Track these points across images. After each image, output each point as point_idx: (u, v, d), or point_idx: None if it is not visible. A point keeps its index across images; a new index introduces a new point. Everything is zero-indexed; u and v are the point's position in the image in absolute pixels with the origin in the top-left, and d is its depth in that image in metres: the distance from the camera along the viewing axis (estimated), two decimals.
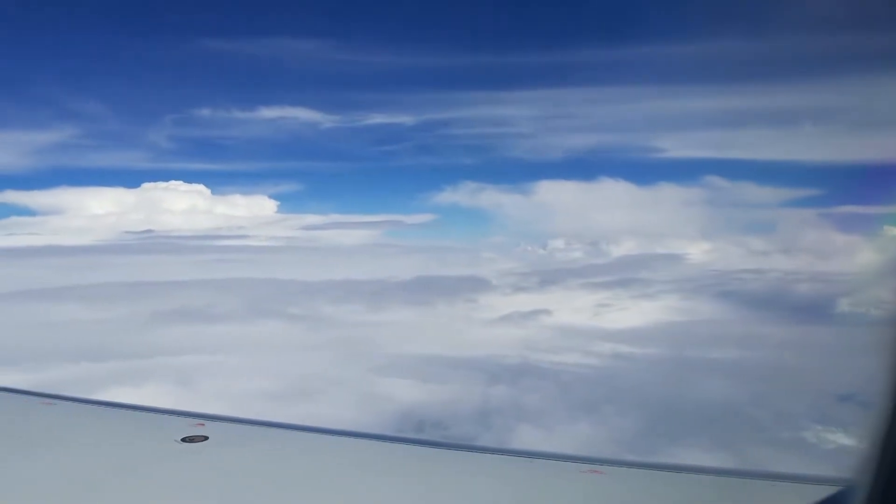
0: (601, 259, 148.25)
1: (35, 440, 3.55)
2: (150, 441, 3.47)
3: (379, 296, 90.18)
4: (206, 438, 3.37)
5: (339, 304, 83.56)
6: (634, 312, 78.55)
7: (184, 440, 3.35)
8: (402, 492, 2.78)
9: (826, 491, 2.38)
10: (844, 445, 30.24)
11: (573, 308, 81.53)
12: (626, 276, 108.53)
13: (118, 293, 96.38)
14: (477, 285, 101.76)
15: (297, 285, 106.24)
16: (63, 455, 3.29)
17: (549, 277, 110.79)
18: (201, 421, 3.71)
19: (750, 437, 31.36)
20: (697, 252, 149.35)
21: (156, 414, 4.02)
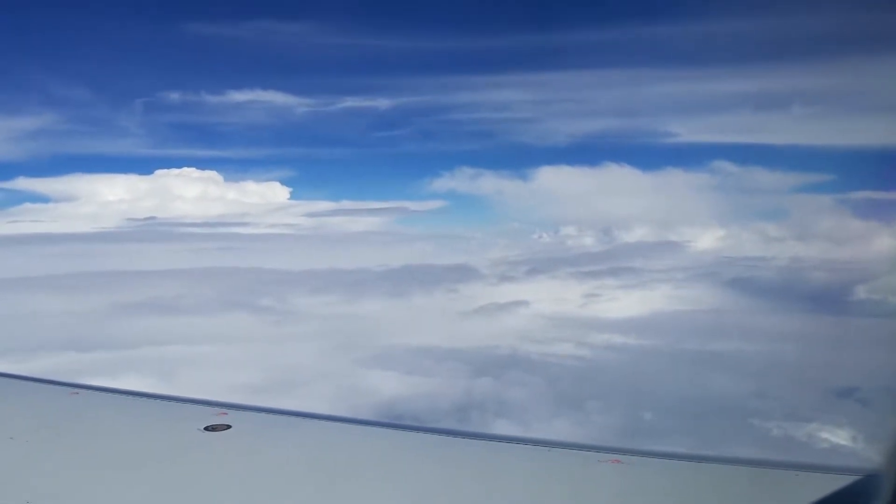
0: (611, 246, 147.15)
1: (62, 430, 3.65)
2: (173, 430, 3.58)
3: (359, 286, 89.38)
4: (228, 427, 3.44)
5: (316, 295, 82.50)
6: (635, 301, 77.46)
7: (206, 429, 3.41)
8: (422, 480, 2.85)
9: (848, 480, 2.41)
10: (838, 444, 29.37)
11: (571, 297, 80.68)
12: (629, 264, 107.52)
13: (107, 282, 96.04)
14: (464, 274, 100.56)
15: (281, 275, 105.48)
16: (88, 444, 3.41)
17: (554, 265, 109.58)
18: (224, 410, 3.78)
19: (739, 435, 30.57)
20: (707, 239, 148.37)
21: (178, 403, 4.11)
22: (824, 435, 31.39)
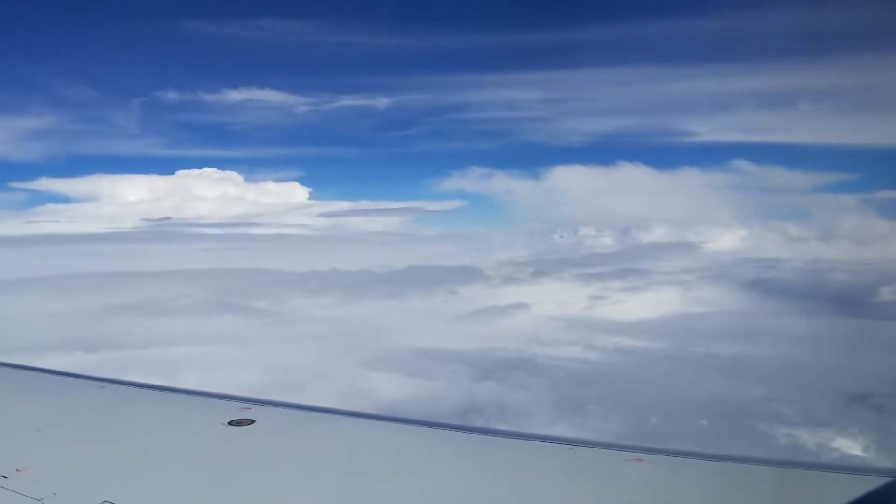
0: (627, 247, 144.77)
1: (89, 423, 3.85)
2: (198, 424, 3.73)
3: (360, 287, 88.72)
4: (252, 422, 3.55)
5: (315, 297, 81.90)
6: (648, 303, 75.75)
7: (231, 423, 3.52)
8: (447, 477, 2.92)
9: (877, 483, 2.43)
10: (849, 454, 28.06)
11: (579, 299, 79.18)
12: (644, 265, 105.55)
13: (115, 282, 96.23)
14: (469, 275, 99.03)
15: (285, 276, 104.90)
16: (115, 437, 3.54)
17: (565, 266, 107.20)
18: (248, 405, 3.88)
19: (744, 442, 29.92)
20: (726, 239, 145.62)
21: (203, 398, 4.28)
22: (835, 443, 30.48)
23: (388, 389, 42.16)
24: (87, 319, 65.30)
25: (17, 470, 2.93)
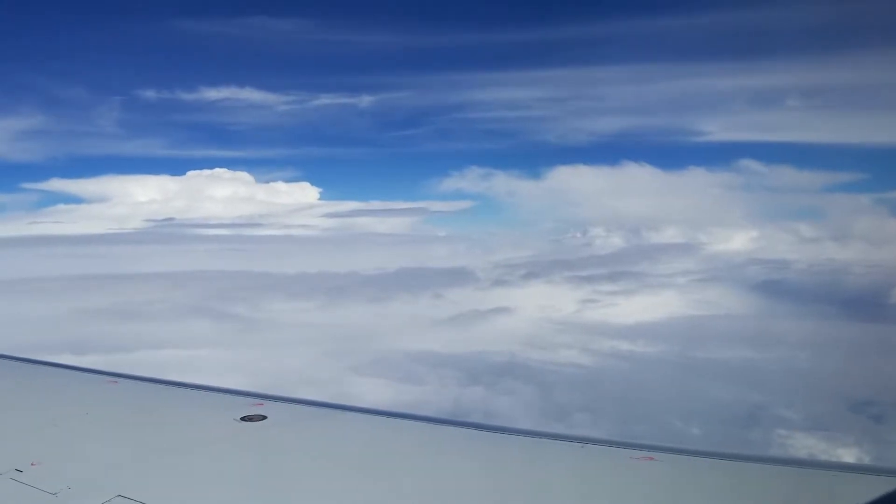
0: (633, 247, 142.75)
1: (103, 418, 3.97)
2: (210, 419, 3.84)
3: (345, 290, 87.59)
4: (264, 418, 3.67)
5: (296, 301, 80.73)
6: (651, 305, 74.64)
7: (243, 419, 3.64)
8: (457, 473, 2.98)
9: (890, 483, 2.42)
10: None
11: (569, 302, 77.95)
12: (647, 267, 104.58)
13: (107, 284, 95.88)
14: (459, 278, 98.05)
15: (271, 278, 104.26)
16: (128, 432, 3.66)
17: (569, 267, 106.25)
18: (260, 401, 4.01)
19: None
20: (736, 240, 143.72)
21: (215, 393, 4.38)
22: (828, 454, 29.77)
23: (373, 395, 41.00)
24: (75, 322, 64.93)
25: (32, 464, 2.99)
